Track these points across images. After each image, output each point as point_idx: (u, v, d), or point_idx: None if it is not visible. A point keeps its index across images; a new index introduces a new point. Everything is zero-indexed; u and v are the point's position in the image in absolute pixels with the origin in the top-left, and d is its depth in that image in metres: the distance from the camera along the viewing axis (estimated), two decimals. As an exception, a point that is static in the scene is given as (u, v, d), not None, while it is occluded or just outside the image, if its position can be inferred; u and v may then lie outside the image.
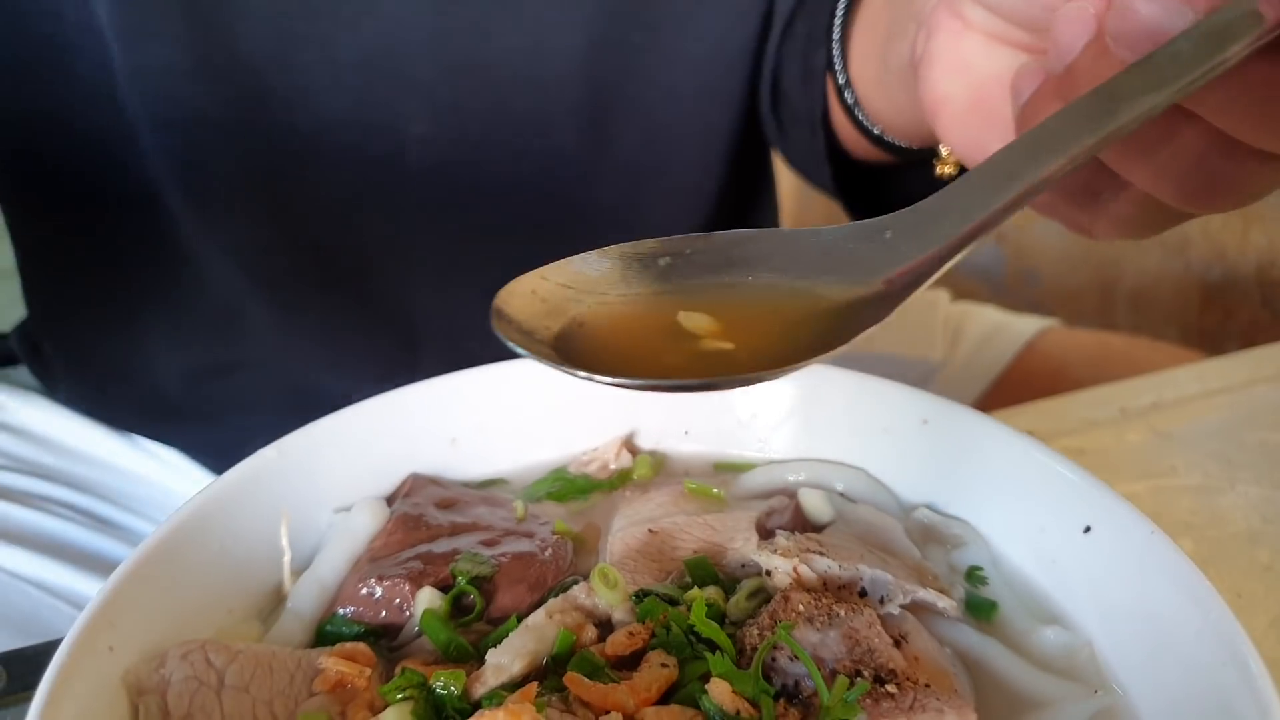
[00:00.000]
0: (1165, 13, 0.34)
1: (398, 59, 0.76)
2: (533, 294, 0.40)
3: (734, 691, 0.42)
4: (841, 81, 0.74)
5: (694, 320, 0.39)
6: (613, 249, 0.42)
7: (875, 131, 0.74)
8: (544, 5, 0.78)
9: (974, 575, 0.54)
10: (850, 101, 0.74)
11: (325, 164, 0.79)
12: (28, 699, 0.47)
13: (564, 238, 0.87)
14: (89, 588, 0.76)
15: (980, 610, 0.52)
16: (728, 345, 0.38)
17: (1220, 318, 1.84)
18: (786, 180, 1.12)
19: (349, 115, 0.77)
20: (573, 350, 0.38)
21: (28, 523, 0.80)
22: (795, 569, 0.49)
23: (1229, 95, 0.34)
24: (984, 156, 0.47)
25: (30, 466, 0.86)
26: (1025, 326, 1.13)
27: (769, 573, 0.50)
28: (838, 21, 0.73)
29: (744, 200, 0.99)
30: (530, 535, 0.56)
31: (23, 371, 0.96)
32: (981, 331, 1.13)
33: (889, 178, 0.83)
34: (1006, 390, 1.07)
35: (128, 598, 0.45)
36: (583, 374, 0.37)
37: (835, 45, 0.74)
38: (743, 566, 0.53)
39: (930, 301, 1.15)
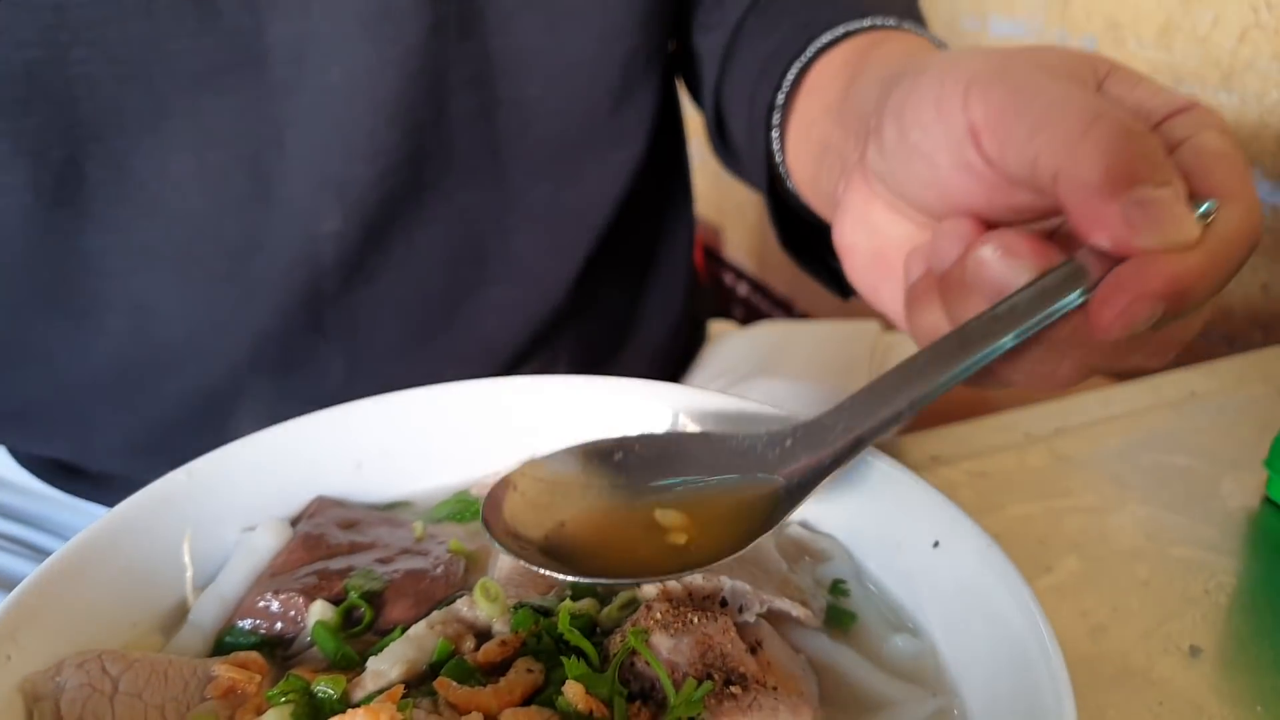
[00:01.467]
0: (1009, 270, 0.44)
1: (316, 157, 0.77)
2: (519, 495, 0.53)
3: (587, 693, 0.46)
4: (779, 160, 0.78)
5: (667, 517, 0.52)
6: (576, 448, 0.54)
7: (810, 215, 0.77)
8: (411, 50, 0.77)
9: (837, 588, 0.58)
10: (785, 177, 0.78)
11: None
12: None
13: (475, 290, 0.90)
14: None
15: (840, 620, 0.56)
16: (682, 540, 0.51)
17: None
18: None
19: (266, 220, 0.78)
20: (559, 550, 0.50)
21: None
22: (663, 581, 0.53)
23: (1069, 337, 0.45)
24: (878, 301, 0.59)
25: None
26: None
27: (639, 584, 0.54)
28: (775, 118, 0.77)
29: (655, 225, 1.03)
30: (425, 554, 0.59)
31: None
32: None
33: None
34: (927, 416, 1.11)
35: (29, 610, 0.48)
36: (571, 578, 0.48)
37: (775, 132, 0.77)
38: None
39: (855, 334, 1.19)
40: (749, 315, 2.68)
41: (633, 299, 1.05)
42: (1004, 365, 0.49)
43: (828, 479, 0.49)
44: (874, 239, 0.57)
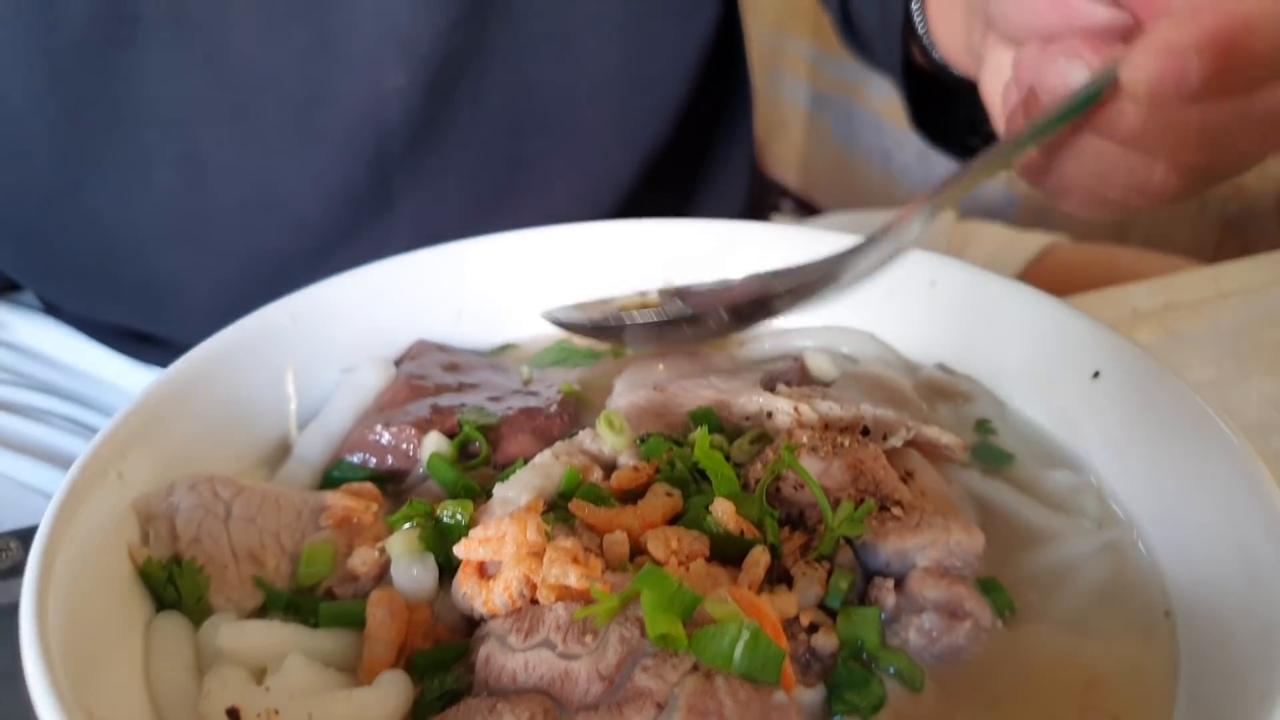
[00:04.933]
0: (1069, 67, 0.45)
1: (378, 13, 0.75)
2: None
3: (738, 513, 0.42)
4: (922, 32, 0.76)
5: None
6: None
7: (954, 73, 0.75)
8: None
9: (982, 427, 0.54)
10: (929, 48, 0.76)
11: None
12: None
13: (541, 160, 0.86)
14: None
15: (993, 458, 0.52)
16: None
17: (1238, 253, 1.81)
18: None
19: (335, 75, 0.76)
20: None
21: (30, 434, 0.81)
22: (796, 409, 0.49)
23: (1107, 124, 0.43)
24: None
25: (33, 382, 0.86)
26: (1031, 242, 1.12)
27: (770, 415, 0.50)
28: None
29: (717, 113, 0.99)
30: (536, 394, 0.56)
31: (28, 294, 0.96)
32: (987, 248, 1.13)
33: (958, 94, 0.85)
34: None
35: (136, 431, 0.45)
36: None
37: (915, 3, 0.75)
38: (747, 419, 0.53)
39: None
40: (796, 234, 2.61)
41: (694, 190, 1.03)
42: (1093, 178, 0.47)
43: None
44: (1002, 80, 0.55)
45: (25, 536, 0.63)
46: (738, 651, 0.33)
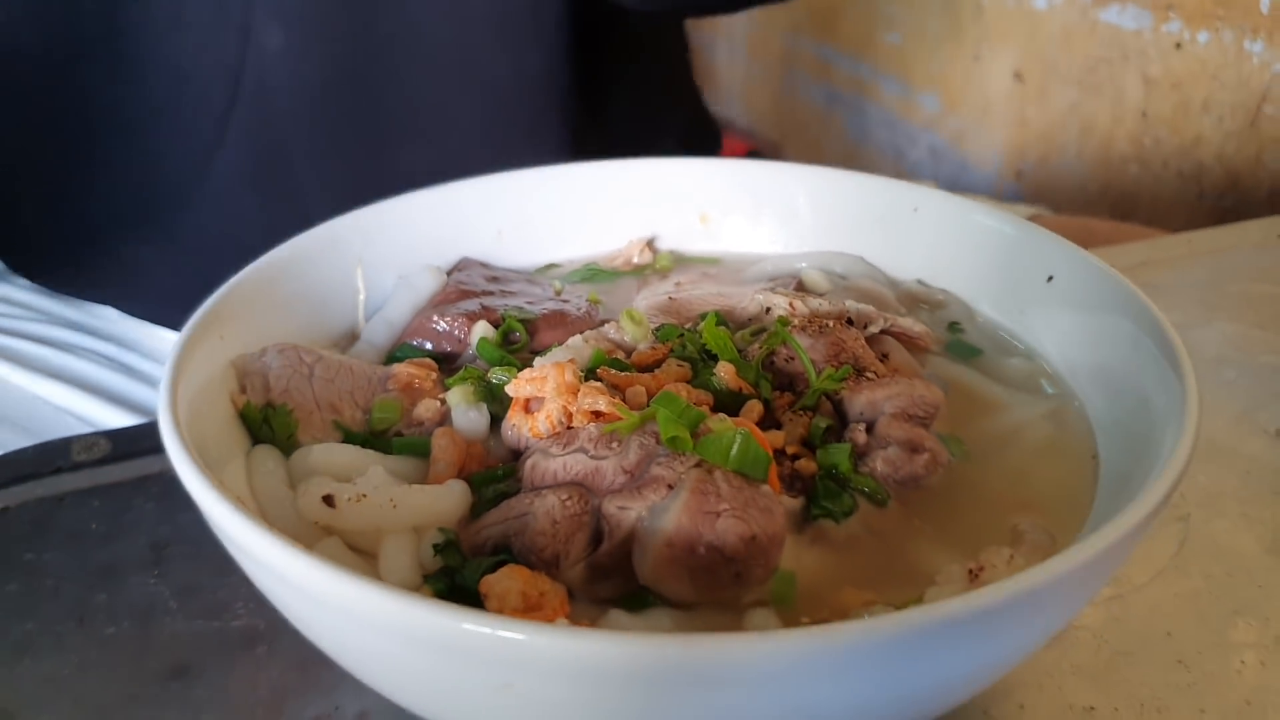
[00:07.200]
0: None
1: None
2: None
3: (737, 375, 0.51)
4: None
5: None
6: None
7: None
8: None
9: (953, 328, 0.62)
10: None
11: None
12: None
13: (433, 97, 0.94)
14: (111, 418, 0.84)
15: (962, 352, 0.60)
16: None
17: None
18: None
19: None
20: None
21: (60, 363, 0.88)
22: (790, 303, 0.58)
23: None
24: None
25: (62, 320, 0.95)
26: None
27: (768, 309, 0.59)
28: None
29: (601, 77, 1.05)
30: (567, 301, 0.65)
31: None
32: None
33: None
34: None
35: (231, 306, 0.54)
36: None
37: None
38: (749, 321, 0.62)
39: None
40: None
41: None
42: None
43: None
44: None
45: (113, 436, 0.72)
46: (733, 451, 0.42)
